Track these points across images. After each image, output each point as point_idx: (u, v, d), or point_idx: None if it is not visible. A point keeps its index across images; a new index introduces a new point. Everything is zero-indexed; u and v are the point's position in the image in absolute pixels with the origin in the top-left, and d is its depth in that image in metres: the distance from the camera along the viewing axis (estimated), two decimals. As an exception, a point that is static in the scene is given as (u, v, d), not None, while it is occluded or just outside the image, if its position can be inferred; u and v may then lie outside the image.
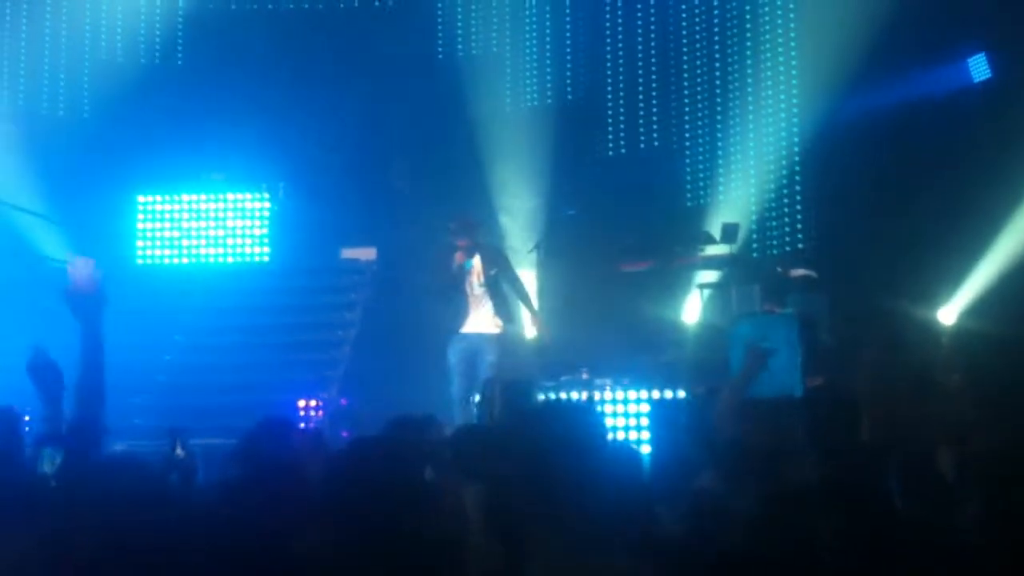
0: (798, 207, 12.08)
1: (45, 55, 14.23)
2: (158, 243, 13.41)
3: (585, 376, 9.96)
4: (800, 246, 11.80)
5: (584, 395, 9.08)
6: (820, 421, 3.87)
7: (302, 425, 9.23)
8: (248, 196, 13.45)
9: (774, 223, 12.24)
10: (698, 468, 4.03)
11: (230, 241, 13.32)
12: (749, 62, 12.57)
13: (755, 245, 12.22)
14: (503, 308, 9.42)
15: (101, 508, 3.02)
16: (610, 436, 3.76)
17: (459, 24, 14.86)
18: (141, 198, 13.48)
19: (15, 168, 12.85)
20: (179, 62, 14.64)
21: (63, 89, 14.21)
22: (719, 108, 12.94)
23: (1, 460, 3.78)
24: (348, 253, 13.07)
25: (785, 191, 12.14)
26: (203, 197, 13.45)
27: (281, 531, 3.33)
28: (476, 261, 9.49)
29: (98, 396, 3.77)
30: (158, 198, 13.49)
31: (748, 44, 12.63)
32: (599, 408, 8.82)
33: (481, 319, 9.47)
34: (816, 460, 3.44)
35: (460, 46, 14.74)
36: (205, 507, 3.91)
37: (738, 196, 12.36)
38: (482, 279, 9.36)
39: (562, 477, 2.63)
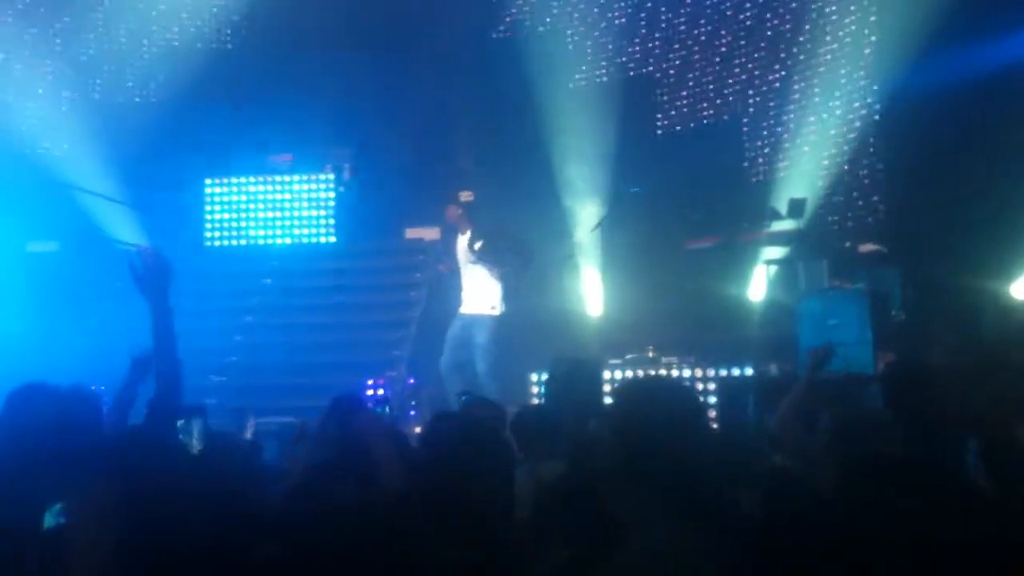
0: (867, 181, 11.90)
1: (114, 42, 14.44)
2: (226, 226, 13.59)
3: (651, 354, 9.92)
4: (870, 220, 11.62)
5: (652, 373, 9.04)
6: (898, 397, 3.81)
7: (372, 405, 9.29)
8: (313, 178, 13.56)
9: (842, 197, 12.06)
10: (764, 449, 4.00)
11: (296, 223, 13.45)
12: (817, 32, 12.37)
13: (824, 220, 12.06)
14: (492, 287, 9.28)
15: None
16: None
17: (517, 2, 14.81)
18: (208, 182, 13.67)
19: (89, 154, 13.10)
20: (245, 46, 14.77)
21: (133, 75, 14.40)
22: (785, 81, 12.76)
23: (80, 435, 3.86)
24: (412, 233, 13.13)
25: (854, 165, 11.95)
26: (269, 180, 13.60)
27: (358, 508, 3.37)
28: (464, 237, 9.47)
29: (174, 372, 3.83)
30: (225, 181, 13.66)
31: (816, 13, 12.43)
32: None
33: (474, 299, 9.41)
34: (895, 436, 3.40)
35: (526, 23, 14.68)
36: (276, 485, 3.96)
37: (805, 170, 12.19)
38: (470, 255, 9.32)
39: (658, 454, 2.63)
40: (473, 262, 9.44)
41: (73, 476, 3.38)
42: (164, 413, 3.86)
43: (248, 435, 7.67)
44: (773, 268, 11.43)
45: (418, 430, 9.67)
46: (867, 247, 10.42)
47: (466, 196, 9.69)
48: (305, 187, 13.56)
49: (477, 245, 9.34)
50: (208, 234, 13.58)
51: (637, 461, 2.69)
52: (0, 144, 13.50)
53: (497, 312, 9.41)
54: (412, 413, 10.31)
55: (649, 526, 2.71)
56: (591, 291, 12.41)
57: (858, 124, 11.97)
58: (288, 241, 13.42)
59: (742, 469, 3.62)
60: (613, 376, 9.06)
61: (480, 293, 9.49)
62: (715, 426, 8.16)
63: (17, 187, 12.81)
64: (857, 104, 11.97)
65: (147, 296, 3.82)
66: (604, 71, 14.39)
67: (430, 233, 12.90)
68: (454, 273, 9.83)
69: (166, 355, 3.80)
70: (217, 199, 13.65)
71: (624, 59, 14.39)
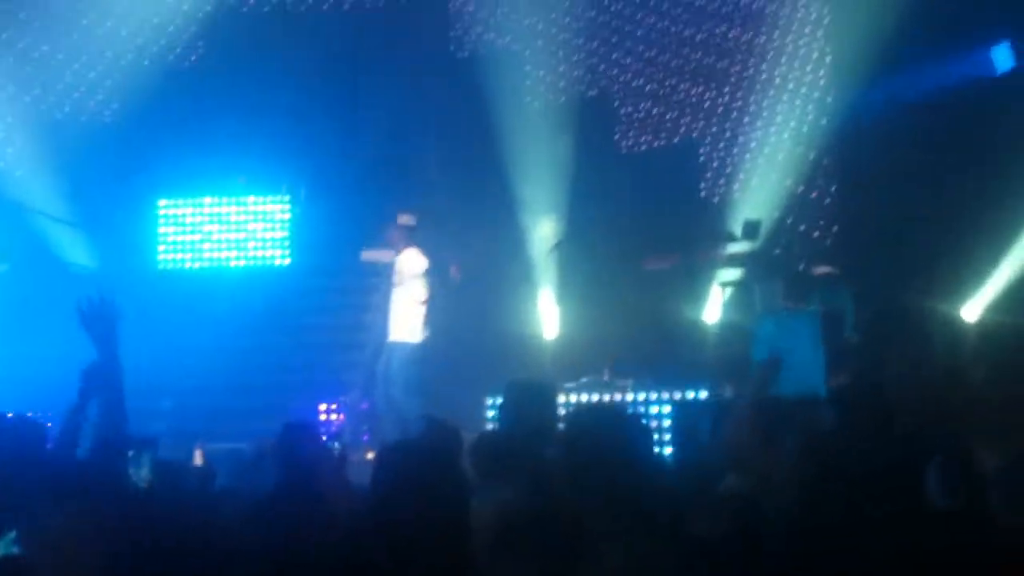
0: (820, 202, 12.01)
1: (66, 59, 14.26)
2: (179, 247, 13.43)
3: (607, 377, 9.91)
4: (824, 241, 11.73)
5: (607, 397, 9.03)
6: (853, 418, 3.82)
7: (323, 436, 9.21)
8: (269, 199, 13.46)
9: (796, 219, 12.16)
10: (721, 472, 3.99)
11: (251, 244, 13.33)
12: (772, 53, 12.49)
13: (778, 241, 12.15)
14: (412, 314, 9.17)
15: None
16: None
17: (474, 20, 14.83)
18: (163, 202, 13.51)
19: (39, 173, 12.91)
20: (198, 65, 14.66)
21: (84, 93, 14.23)
22: (740, 101, 12.87)
23: (23, 468, 3.85)
24: (368, 255, 13.04)
25: (808, 186, 12.07)
26: (224, 200, 13.47)
27: (314, 539, 3.33)
28: (399, 260, 9.43)
29: (119, 411, 3.89)
30: (179, 202, 13.52)
31: (770, 35, 12.55)
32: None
33: (396, 324, 9.29)
34: (850, 459, 3.40)
35: (486, 42, 14.69)
36: (232, 514, 3.93)
37: (760, 191, 12.29)
38: (396, 280, 9.31)
39: (609, 484, 2.62)
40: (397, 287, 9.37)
41: (22, 506, 3.34)
42: (111, 448, 3.89)
43: (198, 462, 7.56)
44: (728, 289, 11.49)
45: (371, 456, 9.60)
46: (821, 269, 10.48)
47: (405, 220, 9.64)
48: (260, 207, 13.45)
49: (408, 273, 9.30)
50: (161, 255, 13.41)
51: (589, 491, 2.68)
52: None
53: (416, 339, 9.33)
54: (365, 438, 10.24)
55: (608, 553, 2.70)
56: (546, 312, 12.40)
57: (812, 145, 12.10)
58: (242, 262, 13.29)
59: (698, 493, 3.61)
60: (568, 399, 9.03)
61: (402, 319, 9.41)
62: (669, 450, 8.16)
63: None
64: (811, 125, 12.10)
65: (93, 338, 3.95)
66: (563, 91, 14.43)
67: (386, 255, 12.83)
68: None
69: (113, 395, 3.88)
70: (171, 219, 13.49)
71: (583, 79, 14.44)
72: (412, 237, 9.73)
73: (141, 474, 5.56)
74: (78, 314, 3.94)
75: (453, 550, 2.84)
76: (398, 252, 9.66)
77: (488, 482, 3.96)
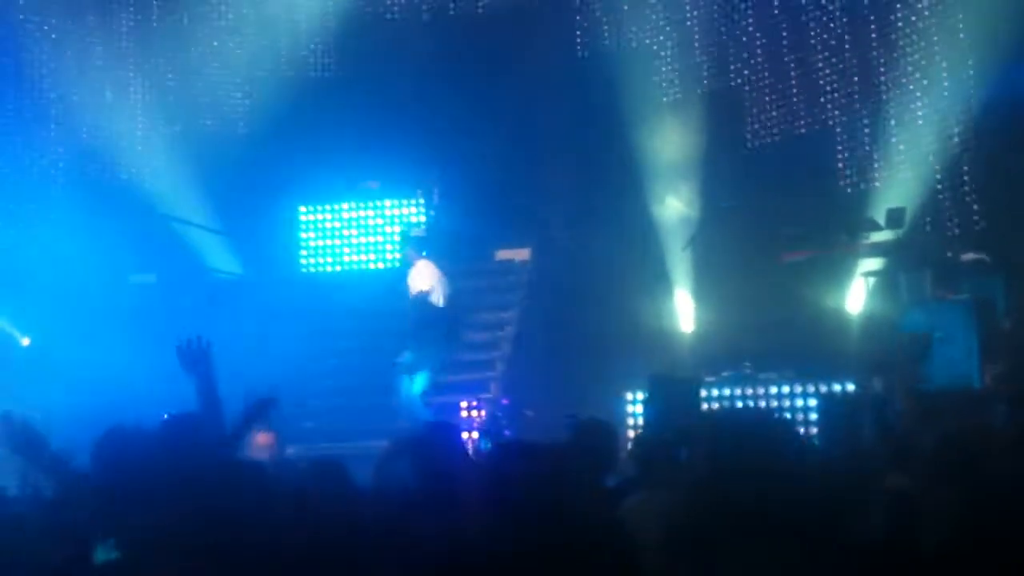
0: (966, 187, 11.57)
1: (204, 75, 14.73)
2: (320, 252, 13.77)
3: (748, 370, 9.76)
4: (971, 227, 11.30)
5: (749, 391, 8.90)
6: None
7: (464, 429, 9.32)
8: (404, 202, 13.68)
9: (943, 205, 11.73)
10: (883, 468, 3.88)
11: (388, 247, 13.57)
12: (913, 36, 12.08)
13: (923, 229, 11.75)
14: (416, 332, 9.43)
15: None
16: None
17: (599, 19, 14.75)
18: (303, 209, 13.87)
19: (185, 185, 13.39)
20: (333, 74, 14.96)
21: (226, 105, 14.67)
22: (879, 86, 12.48)
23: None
24: (503, 254, 13.17)
25: (953, 171, 11.63)
26: (361, 205, 13.75)
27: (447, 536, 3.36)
28: (411, 273, 9.59)
29: (221, 439, 4.08)
30: (318, 208, 13.86)
31: (912, 16, 12.13)
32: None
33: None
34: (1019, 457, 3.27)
35: (610, 41, 14.60)
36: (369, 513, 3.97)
37: (902, 179, 11.90)
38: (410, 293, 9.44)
39: (762, 483, 2.57)
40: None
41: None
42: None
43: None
44: (872, 280, 11.18)
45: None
46: (969, 256, 10.12)
47: (416, 231, 10.52)
48: (396, 211, 13.68)
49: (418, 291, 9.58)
50: (303, 260, 13.77)
51: (739, 493, 2.64)
52: (100, 177, 13.88)
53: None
54: (506, 434, 10.31)
55: (765, 556, 2.65)
56: (683, 308, 12.28)
57: (957, 129, 11.66)
58: (380, 265, 13.54)
59: (853, 493, 3.52)
60: (710, 394, 8.93)
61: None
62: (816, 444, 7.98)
63: (118, 220, 13.14)
64: (955, 108, 11.65)
65: (192, 375, 4.17)
66: (691, 86, 14.25)
67: (520, 254, 12.93)
68: None
69: (213, 424, 4.05)
70: (311, 225, 13.85)
71: (710, 72, 14.22)
72: (421, 248, 9.94)
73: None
74: (179, 355, 4.18)
75: (612, 549, 2.83)
76: (412, 265, 9.83)
77: (649, 482, 3.92)
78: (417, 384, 9.53)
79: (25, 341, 12.28)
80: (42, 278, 12.14)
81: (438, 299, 9.78)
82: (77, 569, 3.35)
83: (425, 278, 9.77)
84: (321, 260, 13.77)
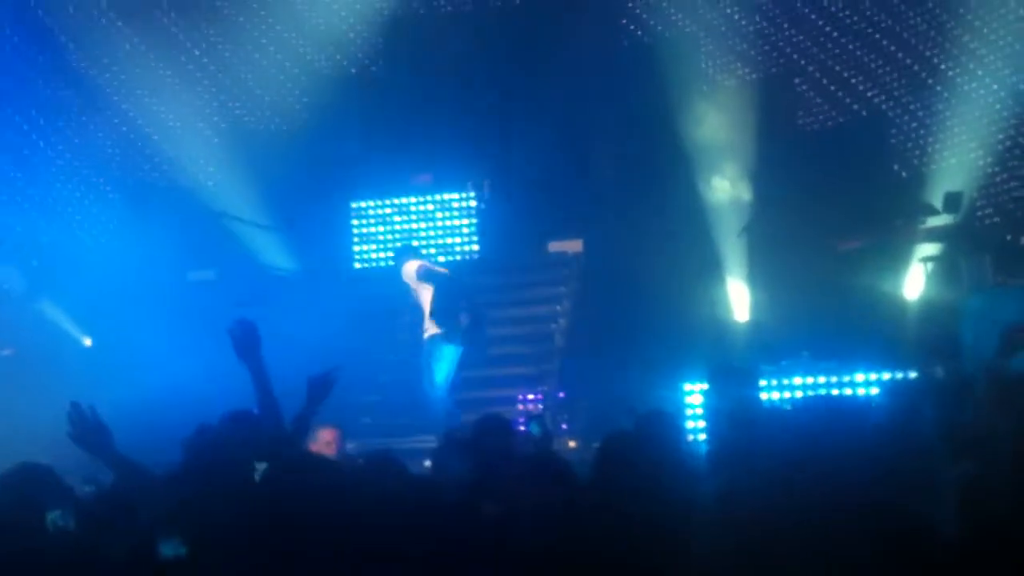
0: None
1: (256, 72, 14.85)
2: (373, 246, 13.83)
3: (807, 359, 9.66)
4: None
5: (809, 379, 8.81)
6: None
7: (523, 422, 9.32)
8: (455, 195, 13.71)
9: (1001, 188, 11.54)
10: (948, 457, 3.83)
11: (440, 241, 13.61)
12: (968, 15, 11.87)
13: (983, 213, 11.57)
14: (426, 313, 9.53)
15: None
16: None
17: (648, 6, 14.66)
18: (354, 204, 13.94)
19: (239, 182, 13.53)
20: (383, 70, 15.03)
21: (275, 101, 14.78)
22: (934, 69, 12.29)
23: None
24: (555, 246, 13.14)
25: (1011, 153, 11.43)
26: (412, 199, 13.80)
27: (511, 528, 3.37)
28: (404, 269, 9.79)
29: (277, 421, 4.08)
30: (370, 203, 13.92)
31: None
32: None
33: (425, 323, 9.61)
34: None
35: (657, 28, 14.50)
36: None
37: (959, 162, 11.73)
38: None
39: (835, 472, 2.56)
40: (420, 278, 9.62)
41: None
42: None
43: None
44: (930, 265, 11.03)
45: (572, 444, 9.67)
46: (1030, 239, 9.97)
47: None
48: (447, 204, 13.71)
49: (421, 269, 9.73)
50: (356, 255, 13.85)
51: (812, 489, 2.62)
52: (155, 176, 14.07)
53: (432, 333, 9.53)
54: (564, 427, 10.31)
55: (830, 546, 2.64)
56: (737, 297, 12.19)
57: (1012, 110, 11.47)
58: (433, 258, 13.55)
59: (924, 480, 3.48)
60: (770, 383, 8.85)
61: (424, 319, 9.73)
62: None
63: (178, 217, 13.31)
64: (1012, 89, 11.45)
65: (244, 359, 4.13)
66: (741, 72, 14.11)
67: (573, 246, 12.90)
68: None
69: (268, 408, 4.06)
70: (363, 219, 13.92)
71: (759, 57, 14.07)
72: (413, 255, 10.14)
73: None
74: (231, 339, 4.14)
75: (679, 539, 2.83)
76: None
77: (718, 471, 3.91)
78: (439, 374, 9.55)
79: (87, 341, 12.47)
80: (102, 278, 12.32)
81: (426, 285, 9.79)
82: (142, 564, 3.38)
83: (409, 271, 9.85)
84: (375, 255, 13.83)
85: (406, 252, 10.33)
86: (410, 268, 9.79)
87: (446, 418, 9.08)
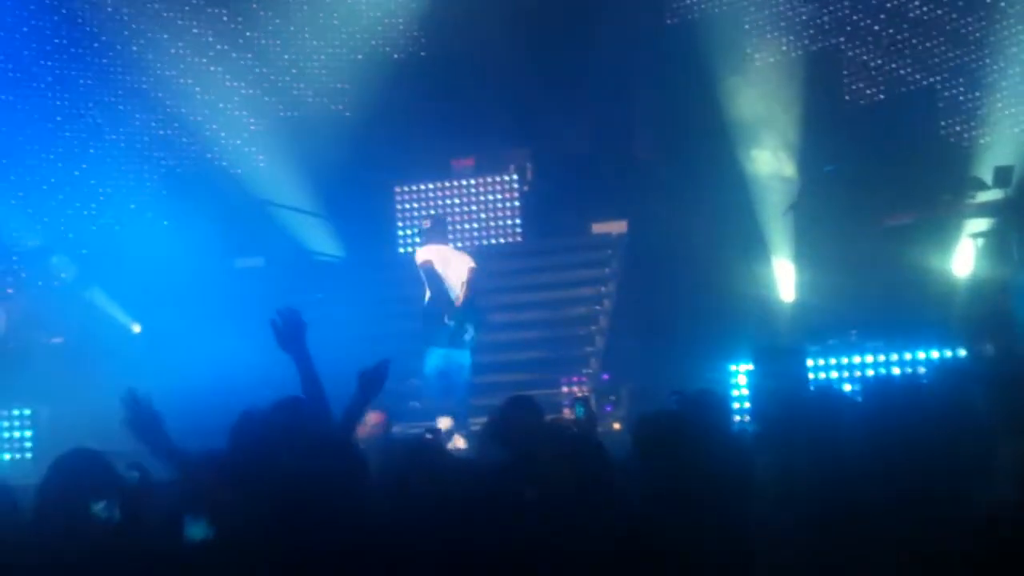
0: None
1: (298, 59, 14.93)
2: (416, 231, 13.85)
3: (855, 338, 9.57)
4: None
5: (856, 359, 8.72)
6: None
7: (568, 404, 9.31)
8: (498, 178, 13.69)
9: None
10: (1003, 437, 3.76)
11: (484, 225, 13.61)
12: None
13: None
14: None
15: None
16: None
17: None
18: (398, 188, 13.98)
19: (284, 169, 13.61)
20: (425, 54, 15.04)
21: (321, 89, 14.84)
22: (982, 43, 12.08)
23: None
24: (599, 228, 13.11)
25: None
26: (455, 184, 13.81)
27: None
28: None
29: (324, 412, 4.01)
30: (413, 187, 13.95)
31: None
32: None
33: None
34: None
35: (700, 5, 14.36)
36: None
37: (1010, 135, 11.52)
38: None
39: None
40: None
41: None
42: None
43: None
44: (980, 241, 10.85)
45: (617, 426, 9.65)
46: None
47: (424, 223, 10.23)
48: (490, 188, 13.71)
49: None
50: (400, 240, 13.89)
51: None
52: (201, 163, 14.19)
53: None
54: (608, 408, 10.28)
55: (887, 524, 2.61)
56: (783, 276, 12.08)
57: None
58: (477, 242, 13.59)
59: (978, 461, 3.43)
60: (816, 363, 8.78)
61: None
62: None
63: (224, 205, 13.43)
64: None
65: (288, 350, 4.04)
66: (785, 46, 13.93)
67: (617, 227, 12.85)
68: None
69: (314, 397, 3.99)
70: (406, 204, 13.95)
71: (806, 32, 13.89)
72: (428, 237, 9.97)
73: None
74: (273, 331, 4.05)
75: (731, 512, 2.82)
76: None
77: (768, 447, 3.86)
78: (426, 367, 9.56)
79: (136, 328, 12.62)
80: (150, 265, 12.45)
81: (443, 269, 9.70)
82: (169, 545, 3.38)
83: (421, 253, 9.79)
84: (417, 239, 13.85)
85: (429, 232, 10.14)
86: (419, 256, 9.76)
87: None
